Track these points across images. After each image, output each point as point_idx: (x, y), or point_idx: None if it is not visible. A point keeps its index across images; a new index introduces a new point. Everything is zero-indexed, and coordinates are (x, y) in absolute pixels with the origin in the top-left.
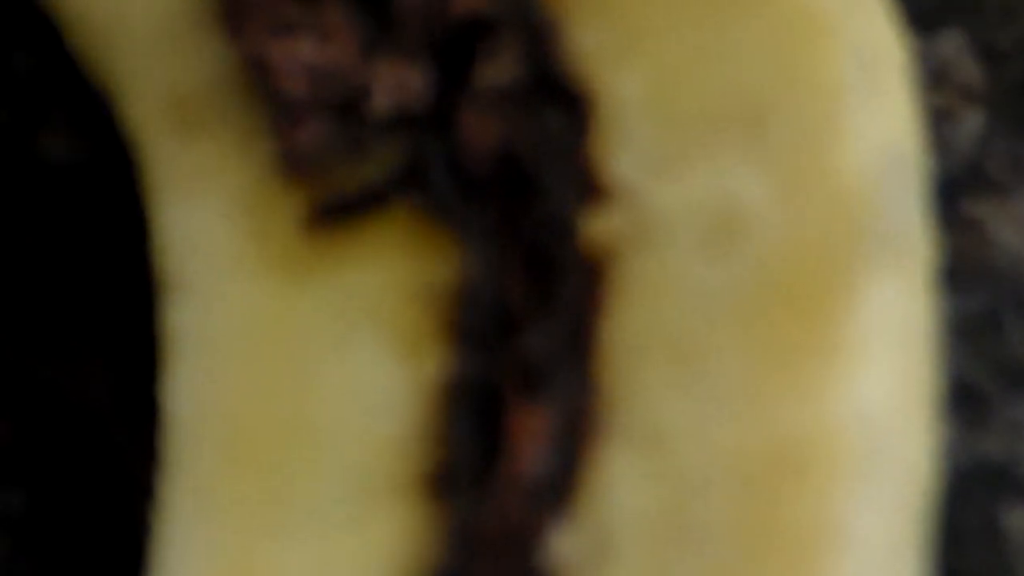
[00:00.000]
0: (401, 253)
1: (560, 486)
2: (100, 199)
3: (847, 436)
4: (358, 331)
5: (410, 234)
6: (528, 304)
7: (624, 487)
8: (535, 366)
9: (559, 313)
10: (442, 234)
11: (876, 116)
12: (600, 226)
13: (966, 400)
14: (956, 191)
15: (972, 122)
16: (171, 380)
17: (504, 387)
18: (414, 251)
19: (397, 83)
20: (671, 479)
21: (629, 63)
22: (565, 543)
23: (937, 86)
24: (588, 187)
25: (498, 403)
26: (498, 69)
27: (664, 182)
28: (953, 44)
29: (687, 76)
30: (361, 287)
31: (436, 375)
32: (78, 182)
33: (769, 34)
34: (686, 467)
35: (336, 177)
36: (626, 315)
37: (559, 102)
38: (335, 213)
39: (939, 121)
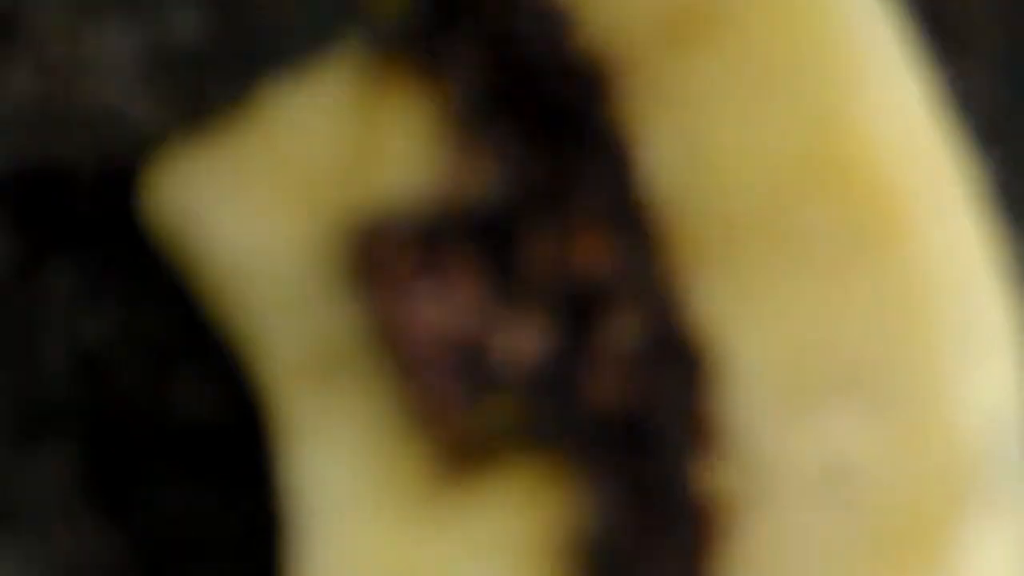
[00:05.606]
0: (521, 500)
1: None
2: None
3: None
4: (481, 574)
5: (530, 482)
6: (641, 550)
7: None
8: None
9: (671, 560)
10: (562, 482)
11: (983, 379)
12: (714, 478)
13: None
14: None
15: None
16: None
17: None
18: (534, 498)
19: (518, 341)
20: None
21: (749, 324)
22: None
23: None
24: (704, 442)
25: None
26: (619, 330)
27: (778, 437)
28: None
29: (804, 336)
30: (483, 533)
31: None
32: (205, 435)
33: (884, 296)
34: None
35: (460, 427)
36: (736, 561)
37: (679, 362)
38: (458, 462)
39: None
